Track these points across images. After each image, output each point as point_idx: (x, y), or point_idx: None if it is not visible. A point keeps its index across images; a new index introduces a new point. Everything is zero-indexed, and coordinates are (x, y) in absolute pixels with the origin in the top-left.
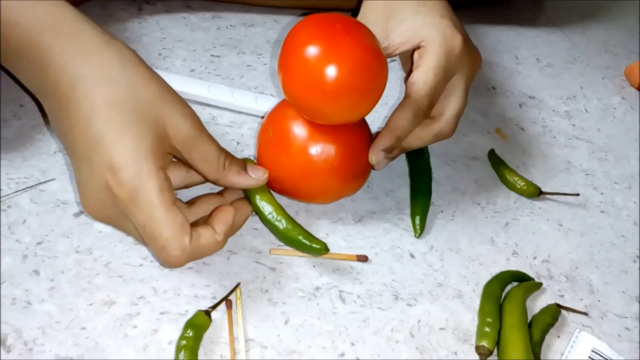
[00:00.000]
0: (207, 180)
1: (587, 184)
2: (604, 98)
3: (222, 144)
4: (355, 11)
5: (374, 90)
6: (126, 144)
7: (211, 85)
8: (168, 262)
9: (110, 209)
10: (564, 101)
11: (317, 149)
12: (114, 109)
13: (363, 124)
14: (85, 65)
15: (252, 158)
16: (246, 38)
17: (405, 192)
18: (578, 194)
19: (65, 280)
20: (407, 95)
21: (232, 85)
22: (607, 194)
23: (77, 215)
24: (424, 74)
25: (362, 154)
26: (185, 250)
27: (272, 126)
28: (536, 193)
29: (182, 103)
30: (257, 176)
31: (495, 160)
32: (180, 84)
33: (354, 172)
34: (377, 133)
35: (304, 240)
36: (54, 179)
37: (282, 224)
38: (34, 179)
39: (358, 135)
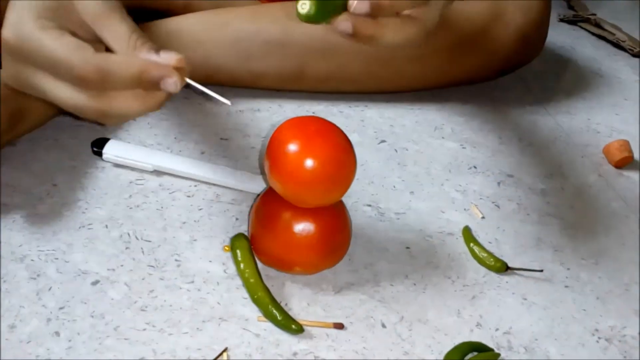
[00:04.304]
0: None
1: (554, 260)
2: (581, 176)
3: (223, 220)
4: None
5: (344, 179)
6: (20, 4)
7: (217, 168)
8: (80, 82)
9: (12, 67)
10: (541, 180)
11: (299, 227)
12: None
13: (340, 205)
14: None
15: (246, 233)
16: (252, 122)
17: (382, 265)
18: (542, 270)
19: (80, 342)
20: None
21: (236, 166)
22: (573, 269)
23: (94, 284)
24: None
25: (339, 231)
26: (89, 59)
27: (262, 207)
28: (503, 268)
29: None
30: (166, 57)
31: (468, 237)
32: (190, 167)
33: (332, 247)
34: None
35: (282, 321)
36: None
37: (264, 306)
38: (60, 251)
39: (335, 216)
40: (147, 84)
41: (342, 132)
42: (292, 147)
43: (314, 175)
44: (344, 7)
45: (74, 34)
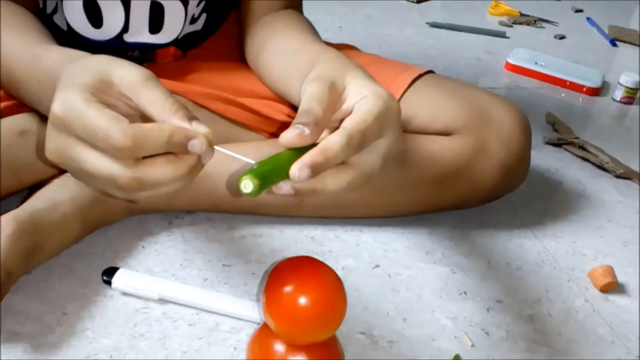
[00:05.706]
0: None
1: None
2: (568, 301)
3: (222, 350)
4: None
5: (335, 317)
6: (67, 83)
7: (218, 296)
8: (116, 150)
9: (55, 140)
10: (528, 305)
11: None
12: (70, 63)
13: (332, 339)
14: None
15: None
16: (254, 248)
17: None
18: None
19: None
20: (342, 127)
21: (236, 293)
22: None
23: None
24: (364, 115)
25: None
26: (126, 132)
27: (258, 341)
28: None
29: (131, 63)
30: (197, 127)
31: None
32: (192, 296)
33: None
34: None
35: None
36: None
37: None
38: None
39: (328, 351)
40: (176, 146)
41: (332, 271)
42: (287, 288)
43: (306, 315)
44: (284, 175)
45: (114, 107)
